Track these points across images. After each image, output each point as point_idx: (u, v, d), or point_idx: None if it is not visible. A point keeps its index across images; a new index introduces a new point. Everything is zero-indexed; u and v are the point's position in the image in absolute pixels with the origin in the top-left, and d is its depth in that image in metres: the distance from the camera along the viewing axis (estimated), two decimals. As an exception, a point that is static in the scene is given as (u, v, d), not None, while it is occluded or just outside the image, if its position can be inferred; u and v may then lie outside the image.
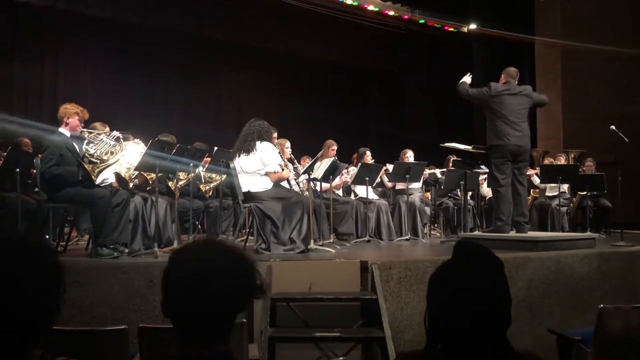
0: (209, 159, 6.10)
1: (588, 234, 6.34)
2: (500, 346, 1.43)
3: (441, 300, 1.46)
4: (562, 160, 8.29)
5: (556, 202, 7.70)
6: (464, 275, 1.44)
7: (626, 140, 6.38)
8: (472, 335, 1.40)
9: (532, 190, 8.32)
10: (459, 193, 7.96)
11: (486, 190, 8.30)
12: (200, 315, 1.32)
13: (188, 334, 1.35)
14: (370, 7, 12.20)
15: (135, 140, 5.37)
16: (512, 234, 5.63)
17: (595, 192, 7.70)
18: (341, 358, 2.49)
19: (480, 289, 1.42)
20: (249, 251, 1.34)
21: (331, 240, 6.21)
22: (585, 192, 7.60)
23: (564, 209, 7.86)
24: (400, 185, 7.54)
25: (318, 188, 6.43)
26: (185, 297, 1.32)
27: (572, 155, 8.76)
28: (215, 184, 6.31)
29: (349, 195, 7.56)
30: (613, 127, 6.45)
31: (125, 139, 5.06)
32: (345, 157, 7.73)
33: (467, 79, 6.03)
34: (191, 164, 5.27)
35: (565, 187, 7.96)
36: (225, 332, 1.37)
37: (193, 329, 1.33)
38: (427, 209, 7.72)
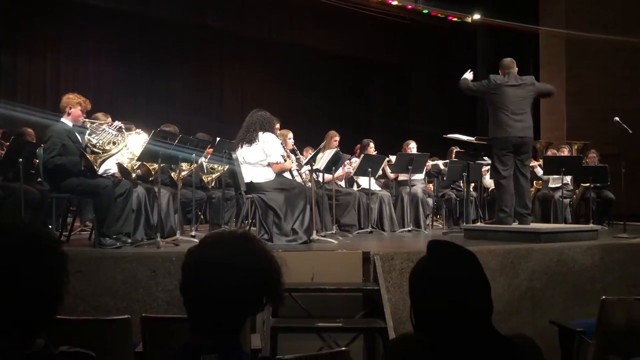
0: (211, 150, 6.10)
1: (591, 225, 6.32)
2: (486, 331, 1.47)
3: (423, 295, 1.51)
4: (565, 152, 8.26)
5: (559, 193, 7.68)
6: (440, 267, 1.50)
7: (630, 131, 6.35)
8: (457, 323, 1.44)
9: (535, 181, 8.30)
10: (461, 184, 7.94)
11: (489, 182, 8.28)
12: (212, 305, 1.32)
13: (198, 322, 1.35)
14: (374, -3, 12.14)
15: (137, 130, 5.37)
16: (515, 225, 5.63)
17: (598, 184, 7.68)
18: (343, 348, 2.49)
19: (457, 279, 1.47)
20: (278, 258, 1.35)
21: (333, 231, 6.22)
22: (588, 184, 7.58)
23: (567, 200, 7.84)
24: (402, 177, 7.53)
25: (321, 179, 6.42)
26: (200, 285, 1.33)
27: (576, 147, 8.73)
28: (217, 174, 6.31)
29: (352, 186, 7.55)
30: (617, 118, 6.42)
31: (127, 130, 5.05)
32: (348, 148, 7.72)
33: (468, 75, 6.00)
34: (193, 155, 5.26)
35: (568, 178, 7.94)
36: (236, 326, 1.37)
37: (204, 317, 1.34)
38: (430, 200, 7.71)
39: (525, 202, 5.71)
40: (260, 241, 1.48)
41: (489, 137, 5.79)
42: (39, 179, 5.79)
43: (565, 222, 7.47)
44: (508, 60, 5.84)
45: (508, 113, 5.58)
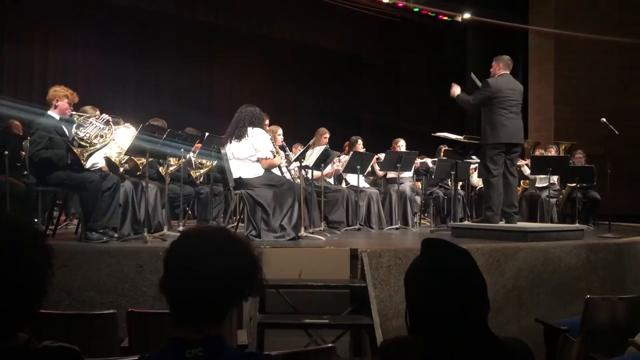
0: (199, 145, 6.07)
1: (577, 225, 6.37)
2: (482, 333, 1.46)
3: (418, 294, 1.50)
4: (552, 152, 8.32)
5: (546, 193, 7.74)
6: (435, 265, 1.49)
7: (616, 132, 6.41)
8: (453, 324, 1.43)
9: (522, 181, 8.34)
10: (449, 183, 7.98)
11: (476, 180, 8.33)
12: (195, 295, 1.32)
13: (181, 315, 1.35)
14: (365, -6, 12.14)
15: (126, 124, 5.33)
16: (502, 224, 5.66)
17: (584, 184, 7.74)
18: (330, 344, 2.50)
19: (452, 277, 1.46)
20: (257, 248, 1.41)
21: (322, 228, 6.22)
22: (574, 184, 7.64)
23: (553, 200, 7.91)
24: (391, 174, 7.55)
25: (309, 176, 6.42)
26: (183, 274, 1.33)
27: (563, 147, 8.80)
28: (206, 170, 6.28)
29: (340, 183, 7.56)
30: (604, 119, 6.48)
31: (115, 123, 5.01)
32: (337, 145, 7.72)
33: (457, 89, 5.93)
34: (182, 150, 5.24)
35: (555, 178, 8.00)
36: (218, 317, 1.37)
37: (186, 308, 1.34)
38: (418, 198, 7.74)
39: (512, 201, 5.73)
40: (237, 233, 1.50)
41: (483, 135, 5.72)
42: (25, 172, 5.74)
43: (552, 222, 7.53)
44: (508, 59, 5.82)
45: (505, 114, 5.55)
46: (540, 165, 7.46)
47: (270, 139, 5.66)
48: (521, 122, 5.74)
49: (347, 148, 7.85)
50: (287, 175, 6.24)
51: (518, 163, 6.69)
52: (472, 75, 6.14)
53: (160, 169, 5.70)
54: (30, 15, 10.20)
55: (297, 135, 8.44)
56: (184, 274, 1.33)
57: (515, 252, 4.74)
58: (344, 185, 7.45)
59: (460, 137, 6.33)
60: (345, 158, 7.16)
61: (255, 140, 5.28)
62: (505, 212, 5.67)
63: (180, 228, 5.53)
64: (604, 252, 5.16)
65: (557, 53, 10.90)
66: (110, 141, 4.88)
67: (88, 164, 4.92)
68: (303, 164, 6.12)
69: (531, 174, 8.09)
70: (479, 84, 5.90)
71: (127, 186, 5.21)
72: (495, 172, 5.62)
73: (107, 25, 10.75)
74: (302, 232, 5.39)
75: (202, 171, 6.31)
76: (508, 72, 5.77)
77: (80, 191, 4.72)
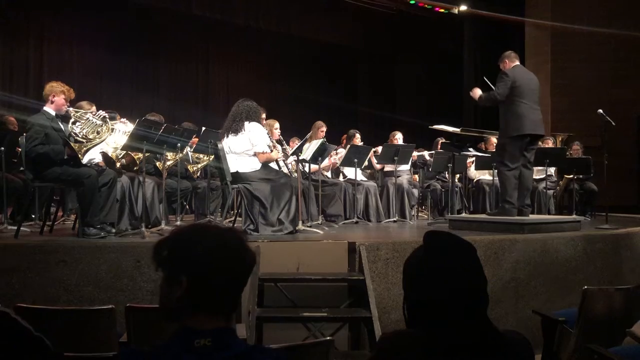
0: (196, 140, 6.06)
1: (574, 216, 6.39)
2: (482, 326, 1.45)
3: (419, 287, 1.49)
4: (549, 144, 8.33)
5: (543, 185, 7.75)
6: (438, 259, 1.48)
7: (613, 123, 6.41)
8: (452, 317, 1.43)
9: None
10: (447, 175, 7.99)
11: (474, 173, 8.34)
12: (215, 286, 1.35)
13: (199, 303, 1.36)
14: (361, -13, 12.09)
15: (122, 119, 5.31)
16: (496, 217, 5.64)
17: (581, 176, 7.76)
18: (328, 338, 2.51)
19: (455, 272, 1.45)
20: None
21: (319, 222, 6.22)
22: (571, 176, 7.66)
23: (550, 192, 7.92)
24: (388, 167, 7.56)
25: (307, 169, 6.41)
26: (205, 264, 1.36)
27: (560, 139, 8.81)
28: (203, 164, 6.28)
29: (338, 176, 7.56)
30: (600, 110, 6.48)
31: (111, 119, 4.99)
32: (334, 138, 7.72)
33: (477, 90, 5.79)
34: (179, 144, 5.23)
35: (552, 170, 8.02)
36: (233, 307, 1.41)
37: (205, 298, 1.35)
38: (415, 191, 7.75)
39: (527, 196, 5.65)
40: (226, 226, 1.55)
41: (506, 131, 5.52)
42: (22, 168, 5.73)
43: (549, 213, 7.54)
44: (512, 52, 5.75)
45: (528, 105, 5.45)
46: (538, 157, 7.45)
47: (267, 133, 5.65)
48: (540, 113, 5.62)
49: (344, 141, 7.85)
50: (285, 169, 6.24)
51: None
52: (485, 79, 6.03)
53: (158, 163, 5.69)
54: (26, 11, 10.15)
55: (294, 129, 8.44)
56: (205, 264, 1.35)
57: (513, 244, 4.75)
58: (341, 178, 7.45)
59: (457, 130, 6.33)
60: (342, 151, 7.15)
61: (252, 134, 5.27)
62: (519, 208, 5.57)
63: (178, 223, 5.53)
64: (601, 243, 5.18)
65: (553, 45, 10.88)
66: (107, 137, 4.87)
67: (85, 160, 4.91)
68: (300, 157, 6.11)
69: (528, 165, 8.09)
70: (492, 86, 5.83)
71: (124, 181, 5.20)
72: (512, 166, 5.50)
73: (103, 20, 10.70)
74: (300, 226, 5.40)
75: (199, 166, 6.32)
76: (519, 63, 5.70)
77: (77, 187, 4.71)
